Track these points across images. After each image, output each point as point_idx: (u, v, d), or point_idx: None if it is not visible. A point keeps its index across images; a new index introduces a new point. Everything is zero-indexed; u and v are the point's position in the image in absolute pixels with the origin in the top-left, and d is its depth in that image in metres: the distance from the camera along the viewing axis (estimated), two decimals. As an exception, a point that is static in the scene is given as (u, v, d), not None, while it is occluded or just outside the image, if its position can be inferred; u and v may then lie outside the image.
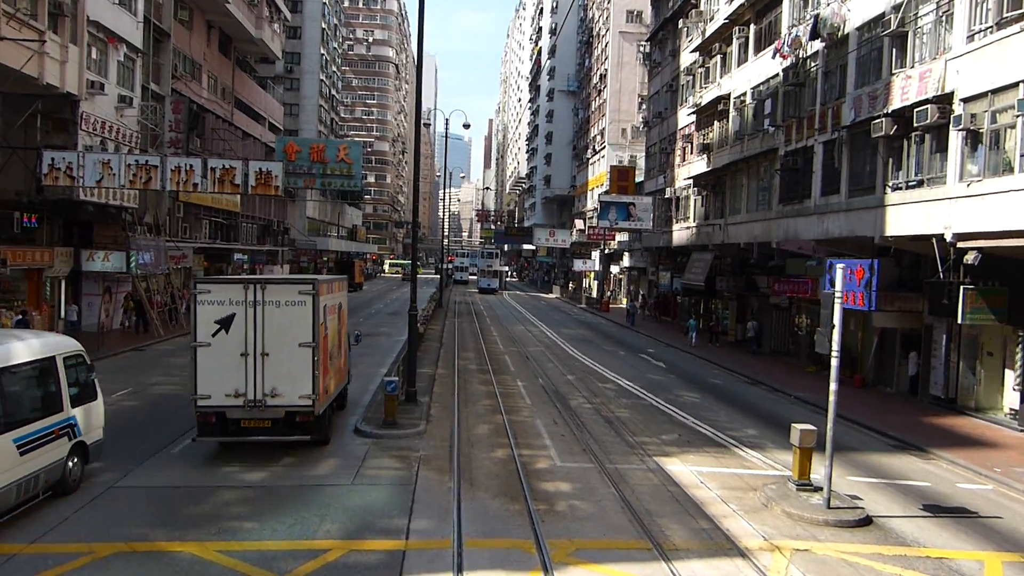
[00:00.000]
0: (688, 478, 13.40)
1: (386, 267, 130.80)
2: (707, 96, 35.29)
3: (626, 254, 64.71)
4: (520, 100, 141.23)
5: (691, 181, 37.29)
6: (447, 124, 48.01)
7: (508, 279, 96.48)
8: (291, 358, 13.24)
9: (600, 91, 77.72)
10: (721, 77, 34.06)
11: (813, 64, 25.29)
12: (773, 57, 27.34)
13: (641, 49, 74.90)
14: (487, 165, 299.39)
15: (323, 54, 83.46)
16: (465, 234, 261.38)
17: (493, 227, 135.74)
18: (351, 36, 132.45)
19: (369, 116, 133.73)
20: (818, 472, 12.70)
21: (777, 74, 27.82)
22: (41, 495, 10.90)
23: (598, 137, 78.01)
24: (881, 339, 24.42)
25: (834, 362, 11.98)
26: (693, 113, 37.03)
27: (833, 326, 11.82)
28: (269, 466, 13.32)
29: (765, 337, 33.45)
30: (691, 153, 38.27)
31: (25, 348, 11.03)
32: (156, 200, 35.72)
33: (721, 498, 12.35)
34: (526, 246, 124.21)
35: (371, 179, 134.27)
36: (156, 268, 34.57)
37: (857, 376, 25.01)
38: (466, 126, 48.17)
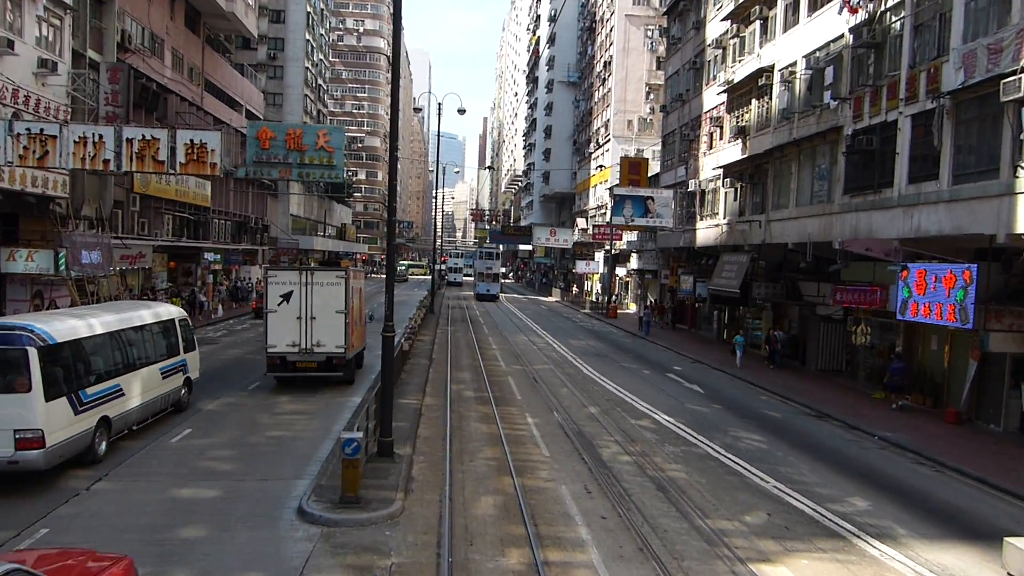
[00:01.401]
0: (821, 616, 8.36)
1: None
2: (743, 70, 30.34)
3: (634, 255, 59.73)
4: (516, 95, 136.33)
5: (721, 171, 32.31)
6: (440, 109, 42.99)
7: (504, 281, 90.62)
8: (330, 321, 19.29)
9: (604, 80, 72.78)
10: (762, 47, 29.10)
11: (896, 17, 20.32)
12: (839, 12, 22.36)
13: (649, 34, 70.15)
14: (482, 164, 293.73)
15: (309, 40, 78.31)
16: (459, 234, 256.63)
17: (488, 227, 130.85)
18: (341, 26, 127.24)
19: (360, 110, 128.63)
20: None
21: (842, 35, 22.85)
22: (168, 409, 16.49)
23: (601, 130, 73.11)
24: (982, 364, 19.41)
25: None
26: (724, 92, 32.07)
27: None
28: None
29: (811, 354, 28.52)
30: (720, 139, 33.31)
31: (161, 312, 17.00)
32: (98, 189, 30.53)
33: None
34: (522, 246, 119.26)
35: (362, 176, 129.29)
36: (101, 269, 29.37)
37: (950, 410, 20.03)
38: (461, 111, 43.08)
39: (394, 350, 14.03)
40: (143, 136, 17.39)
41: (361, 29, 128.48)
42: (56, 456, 11.76)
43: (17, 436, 11.22)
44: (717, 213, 33.57)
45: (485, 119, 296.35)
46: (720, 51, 33.80)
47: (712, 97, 34.37)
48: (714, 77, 34.52)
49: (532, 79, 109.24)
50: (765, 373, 26.91)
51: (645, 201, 36.05)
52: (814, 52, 24.72)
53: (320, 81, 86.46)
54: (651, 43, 69.43)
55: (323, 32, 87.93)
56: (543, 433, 16.26)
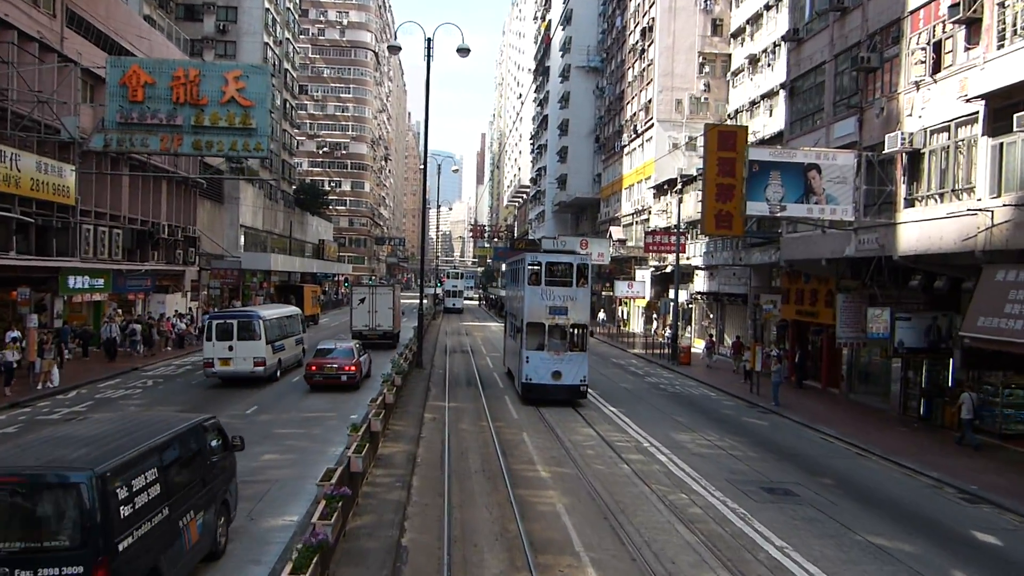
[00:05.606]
0: None
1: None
2: None
3: (699, 274, 43.61)
4: (520, 96, 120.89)
5: (983, 105, 16.23)
6: (429, 46, 27.15)
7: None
8: (385, 312, 36.21)
9: (643, 51, 57.00)
10: None
11: None
12: None
13: (702, -11, 54.54)
14: (479, 181, 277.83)
15: (269, 9, 62.63)
16: (457, 254, 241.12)
17: (489, 244, 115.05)
18: (322, 18, 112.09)
19: (343, 112, 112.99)
20: None
21: None
22: (294, 367, 27.86)
23: (640, 114, 57.24)
24: None
25: None
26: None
27: None
28: None
29: None
30: (971, 45, 17.20)
31: (294, 309, 31.10)
32: None
33: None
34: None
35: (347, 186, 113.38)
36: None
37: None
38: (463, 51, 27.20)
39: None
40: None
41: (345, 22, 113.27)
42: (267, 372, 24.12)
43: (254, 360, 23.42)
44: (969, 189, 17.30)
45: (483, 135, 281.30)
46: None
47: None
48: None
49: (542, 71, 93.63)
50: None
51: (805, 173, 19.80)
52: None
53: (287, 65, 70.64)
54: (705, 1, 53.78)
55: (290, 7, 72.28)
56: None
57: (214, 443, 9.55)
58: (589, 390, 23.23)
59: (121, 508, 7.01)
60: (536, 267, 22.67)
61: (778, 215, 19.94)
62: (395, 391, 17.50)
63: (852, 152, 19.96)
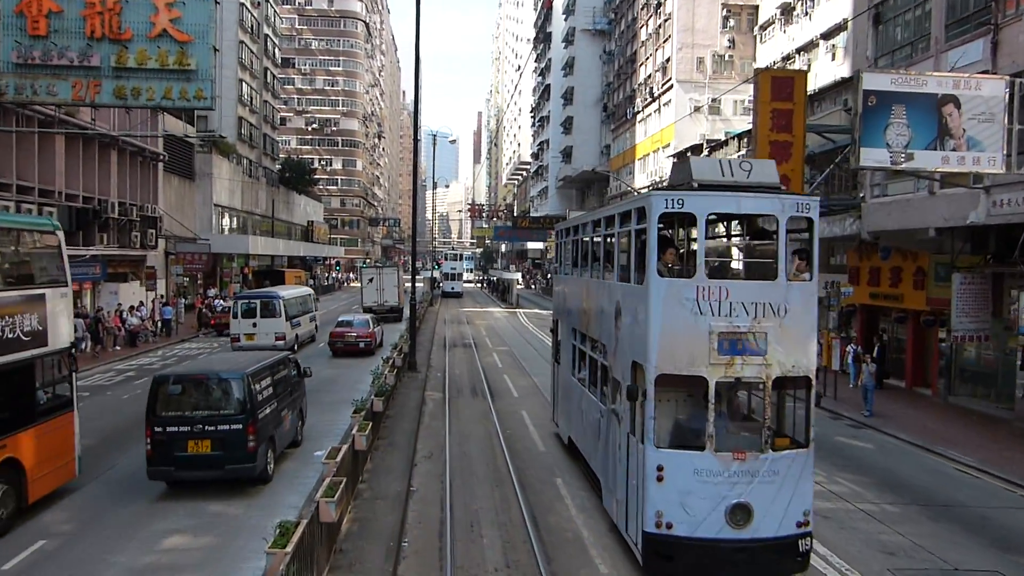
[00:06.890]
0: None
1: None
2: None
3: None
4: (519, 68, 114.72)
5: None
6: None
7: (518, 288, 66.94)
8: (391, 289, 41.81)
9: (659, 5, 51.23)
10: None
11: None
12: None
13: (726, -66, 48.74)
14: (476, 160, 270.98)
15: (244, -37, 56.63)
16: (455, 236, 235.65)
17: (487, 224, 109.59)
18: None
19: (333, 87, 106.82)
20: None
21: None
22: (308, 342, 31.08)
23: (656, 76, 51.58)
24: None
25: None
26: None
27: None
28: None
29: None
30: None
31: (308, 289, 35.47)
32: None
33: None
34: (532, 244, 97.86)
35: (338, 165, 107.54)
36: None
37: None
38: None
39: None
40: None
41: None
42: (287, 344, 25.44)
43: (275, 335, 26.01)
44: None
45: (479, 114, 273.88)
46: None
47: None
48: None
49: (543, 38, 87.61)
50: None
51: (939, 108, 14.34)
52: None
53: (267, 30, 64.72)
54: (729, -56, 47.99)
55: (269, -37, 66.18)
56: None
57: (293, 372, 14.51)
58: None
59: (258, 395, 11.95)
60: (676, 227, 10.32)
61: (902, 166, 14.51)
62: (371, 425, 12.11)
63: (1002, 79, 14.55)
